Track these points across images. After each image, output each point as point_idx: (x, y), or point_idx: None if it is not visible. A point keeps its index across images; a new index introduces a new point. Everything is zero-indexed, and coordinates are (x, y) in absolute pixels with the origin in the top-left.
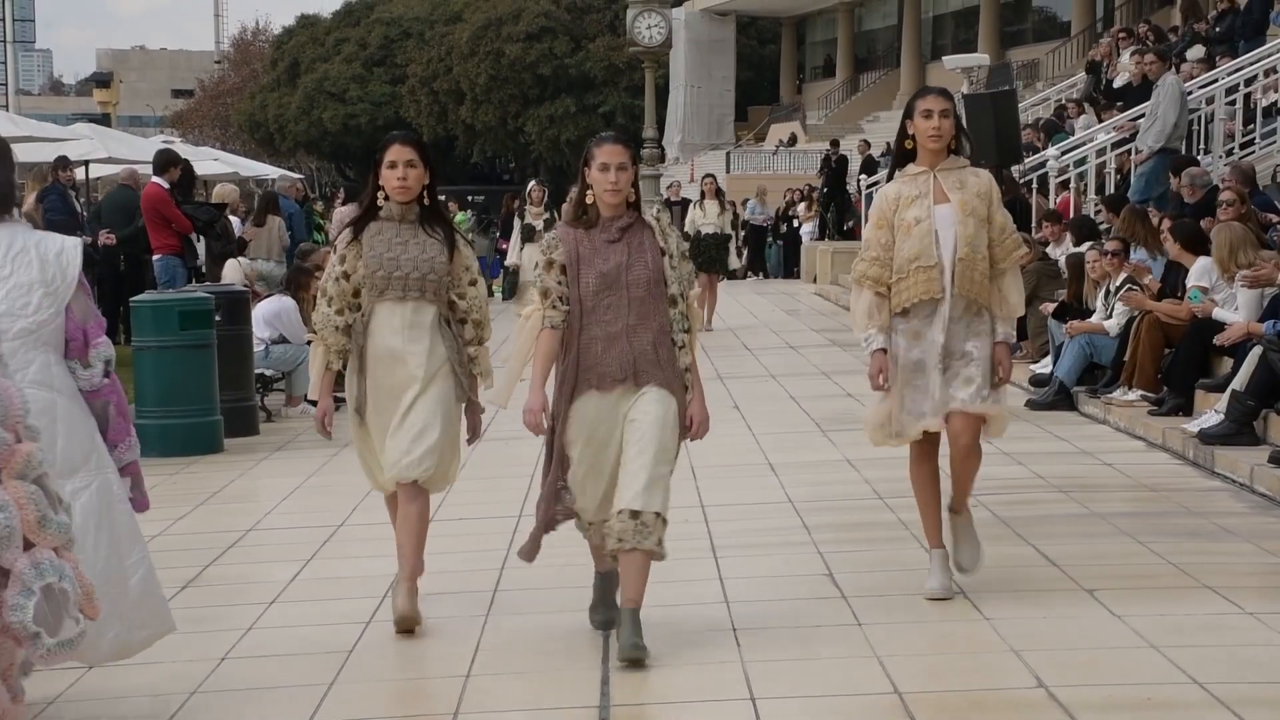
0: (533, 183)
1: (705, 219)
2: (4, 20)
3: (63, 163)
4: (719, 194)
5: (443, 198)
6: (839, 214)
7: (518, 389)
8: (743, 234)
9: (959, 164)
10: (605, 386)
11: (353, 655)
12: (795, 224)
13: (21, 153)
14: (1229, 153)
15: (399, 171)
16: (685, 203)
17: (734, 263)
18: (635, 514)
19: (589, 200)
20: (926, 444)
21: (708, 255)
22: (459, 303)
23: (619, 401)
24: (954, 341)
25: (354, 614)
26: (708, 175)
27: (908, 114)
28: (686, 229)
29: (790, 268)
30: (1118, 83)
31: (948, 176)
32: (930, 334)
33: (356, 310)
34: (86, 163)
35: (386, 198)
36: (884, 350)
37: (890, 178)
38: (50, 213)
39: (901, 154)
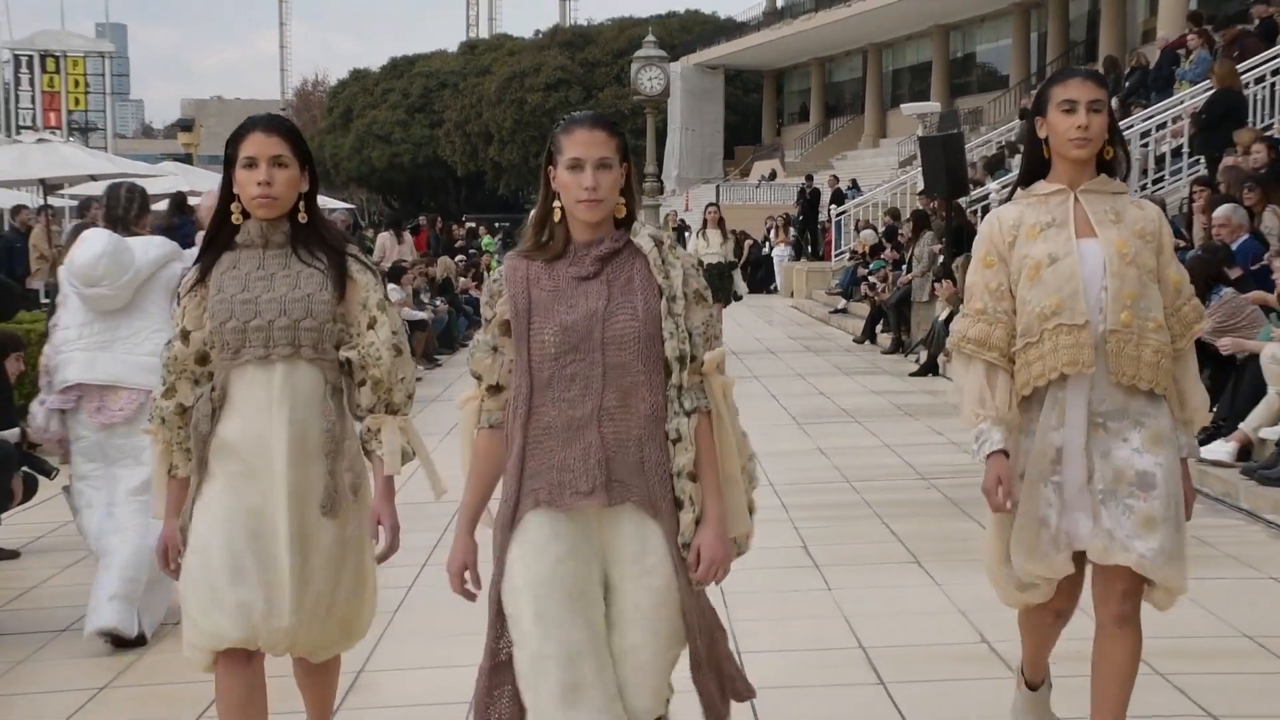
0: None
1: (709, 248)
2: (104, 75)
3: (180, 199)
4: (721, 223)
5: (464, 224)
6: (813, 238)
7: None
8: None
9: (1113, 187)
10: (564, 503)
11: (373, 655)
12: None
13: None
14: (1143, 187)
15: (260, 173)
16: (682, 227)
17: (741, 288)
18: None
19: (556, 217)
20: (1064, 597)
21: (712, 284)
22: (351, 355)
23: (588, 528)
24: (1117, 448)
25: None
26: (711, 204)
27: (1039, 108)
28: None
29: (766, 284)
30: None
31: (1097, 202)
32: (1053, 436)
33: (207, 382)
34: (171, 196)
35: (245, 214)
36: (1004, 453)
37: (1010, 197)
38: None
39: (1031, 166)
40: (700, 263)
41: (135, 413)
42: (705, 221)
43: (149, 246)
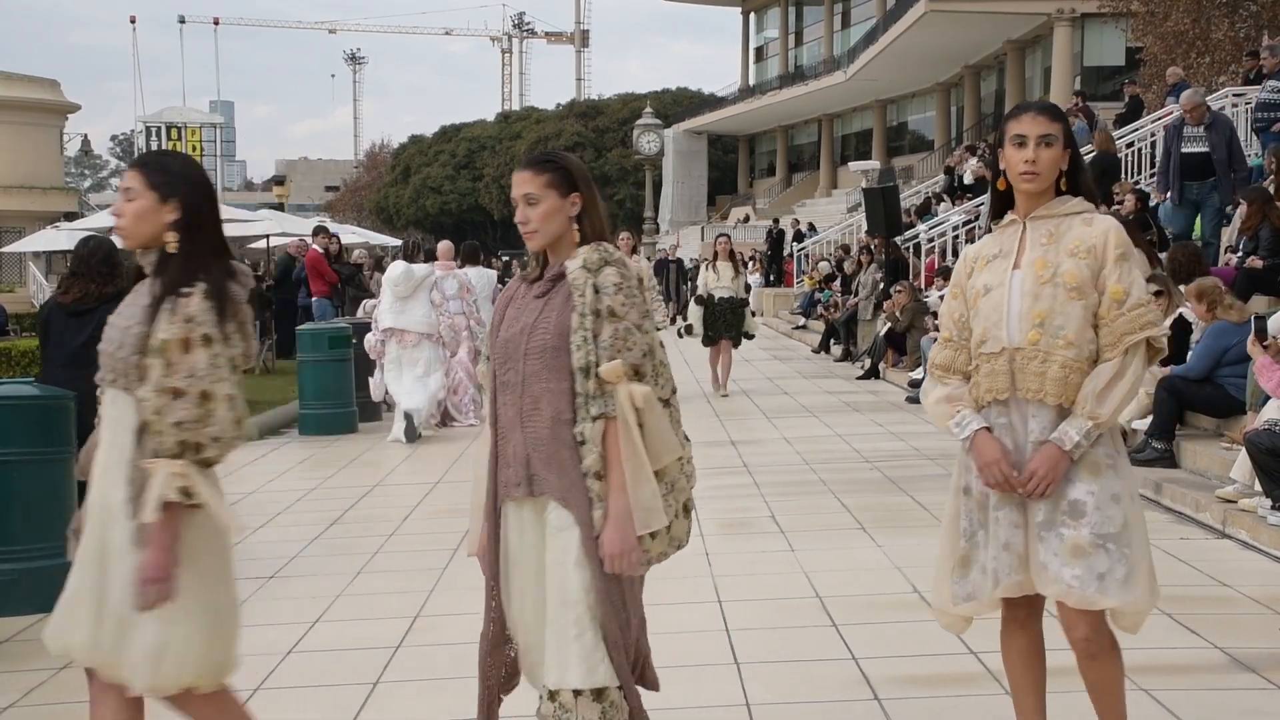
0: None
1: (719, 282)
2: (215, 141)
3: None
4: (733, 255)
5: (500, 258)
6: (779, 269)
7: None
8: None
9: (1066, 208)
10: (509, 494)
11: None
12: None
13: (226, 230)
14: None
15: (117, 205)
16: (679, 262)
17: (752, 327)
18: (553, 694)
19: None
20: (1019, 606)
21: (724, 320)
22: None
23: (527, 514)
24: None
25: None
26: (721, 235)
27: (999, 141)
28: (699, 291)
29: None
30: (967, 180)
31: (1040, 226)
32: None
33: None
34: (268, 236)
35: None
36: (987, 428)
37: (988, 230)
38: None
39: (997, 198)
40: (707, 296)
41: (416, 342)
42: (716, 254)
43: (421, 269)
